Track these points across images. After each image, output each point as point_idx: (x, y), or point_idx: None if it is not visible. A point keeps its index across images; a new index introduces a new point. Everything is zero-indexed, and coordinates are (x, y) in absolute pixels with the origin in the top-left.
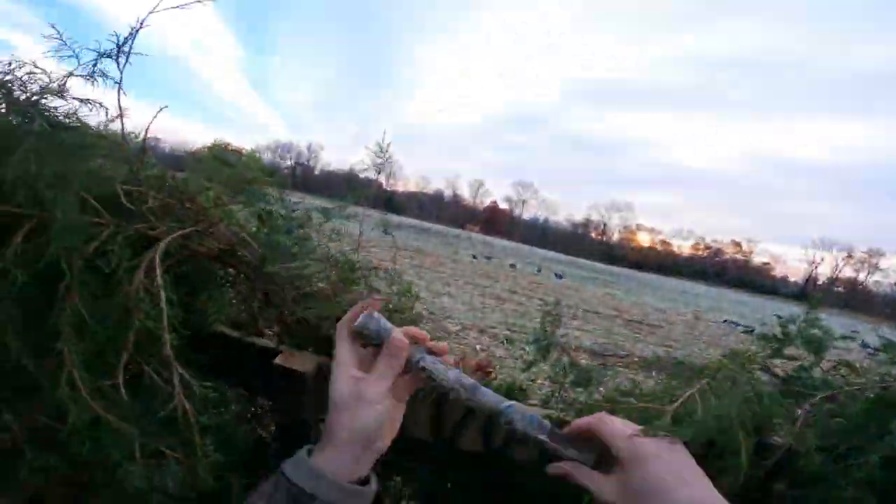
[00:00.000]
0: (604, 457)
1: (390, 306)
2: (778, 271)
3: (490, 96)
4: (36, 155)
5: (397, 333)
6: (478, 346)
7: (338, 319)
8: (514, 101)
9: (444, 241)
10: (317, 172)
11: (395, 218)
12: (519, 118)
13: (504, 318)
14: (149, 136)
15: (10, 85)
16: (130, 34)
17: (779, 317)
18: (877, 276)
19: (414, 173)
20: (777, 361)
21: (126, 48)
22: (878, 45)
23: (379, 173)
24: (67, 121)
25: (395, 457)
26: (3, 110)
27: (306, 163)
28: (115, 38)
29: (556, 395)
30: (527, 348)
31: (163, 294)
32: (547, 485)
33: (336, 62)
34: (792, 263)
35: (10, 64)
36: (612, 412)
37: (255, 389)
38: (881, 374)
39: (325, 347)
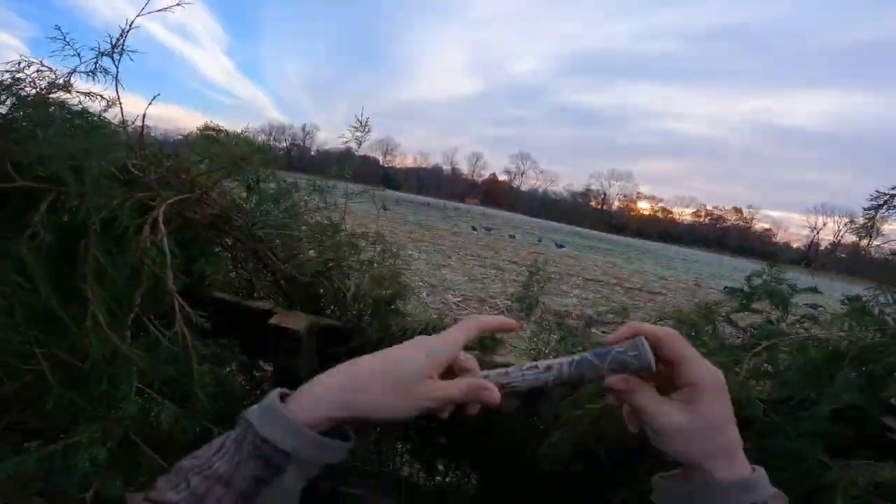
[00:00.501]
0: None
1: (374, 268)
2: (780, 238)
3: (486, 70)
4: (61, 135)
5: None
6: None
7: (320, 275)
8: (512, 74)
9: (443, 214)
10: (313, 153)
11: (394, 193)
12: (517, 91)
13: (504, 288)
14: (144, 124)
15: (21, 83)
16: (122, 34)
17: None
18: (877, 241)
19: (412, 149)
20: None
21: (119, 47)
22: (878, 17)
23: (359, 146)
24: (76, 111)
25: None
26: (11, 104)
27: (302, 143)
28: (109, 39)
29: (537, 348)
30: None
31: (166, 243)
32: (523, 431)
33: (325, 41)
34: (794, 230)
35: (18, 63)
36: None
37: (254, 350)
38: (845, 329)
39: (315, 306)
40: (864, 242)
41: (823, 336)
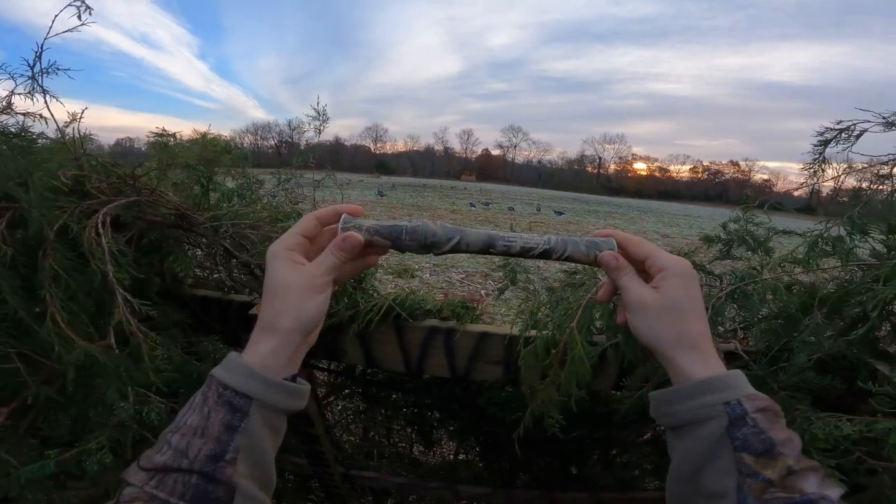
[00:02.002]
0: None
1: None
2: (780, 187)
3: (465, 46)
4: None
5: (353, 238)
6: (483, 291)
7: None
8: (491, 48)
9: (440, 194)
10: (302, 147)
11: (389, 179)
12: (498, 64)
13: (506, 260)
14: (125, 136)
15: None
16: (36, 57)
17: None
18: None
19: (401, 133)
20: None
21: (40, 68)
22: None
23: (319, 134)
24: (12, 131)
25: (378, 391)
26: None
27: (290, 139)
28: (27, 61)
29: (525, 315)
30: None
31: (104, 241)
32: (504, 403)
33: (296, 33)
34: (793, 178)
35: None
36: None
37: (243, 341)
38: (837, 272)
39: None
40: (814, 180)
41: (806, 280)
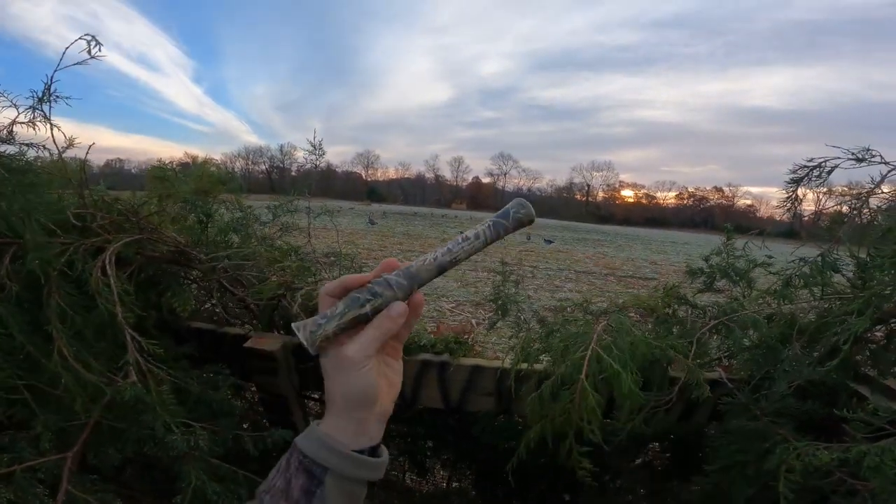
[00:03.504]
0: None
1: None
2: (763, 212)
3: (455, 74)
4: (1, 196)
5: (397, 307)
6: (474, 321)
7: (277, 297)
8: (481, 77)
9: (431, 222)
10: (293, 173)
11: (380, 207)
12: (488, 92)
13: (496, 293)
14: (115, 158)
15: None
16: (46, 89)
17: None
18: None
19: (392, 160)
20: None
21: (49, 97)
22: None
23: (316, 167)
24: (19, 163)
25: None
26: None
27: (282, 164)
28: (35, 93)
29: (517, 349)
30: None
31: (112, 283)
32: (497, 432)
33: (289, 59)
34: (776, 203)
35: None
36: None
37: (237, 372)
38: (816, 302)
39: (285, 325)
40: (790, 215)
41: (787, 311)
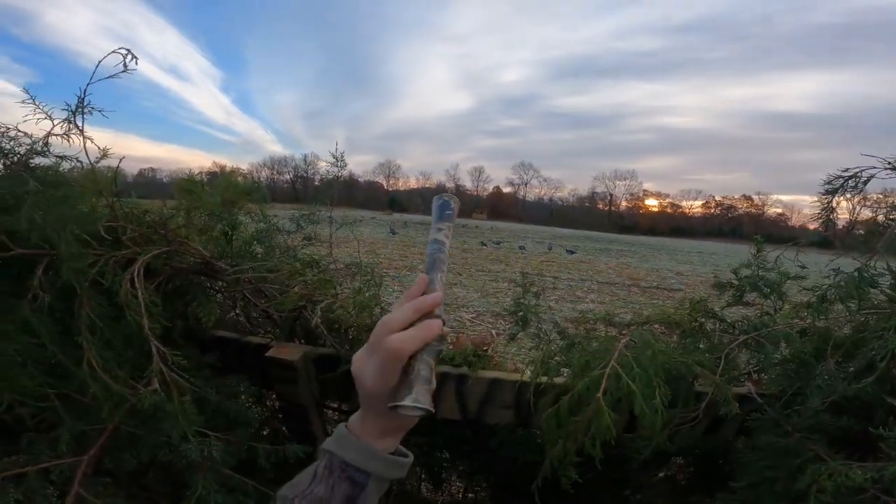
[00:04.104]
0: None
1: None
2: (794, 221)
3: (476, 83)
4: (37, 207)
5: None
6: (493, 332)
7: (299, 308)
8: (501, 85)
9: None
10: (316, 183)
11: (401, 216)
12: (508, 101)
13: (517, 304)
14: (148, 167)
15: (4, 150)
16: (80, 101)
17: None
18: None
19: (413, 170)
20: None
21: (82, 109)
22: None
23: (338, 178)
24: (52, 180)
25: None
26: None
27: (305, 174)
28: (69, 106)
29: (536, 362)
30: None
31: (140, 295)
32: (516, 444)
33: (313, 69)
34: (808, 211)
35: None
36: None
37: (258, 381)
38: (852, 316)
39: (311, 336)
40: (823, 227)
41: (821, 325)
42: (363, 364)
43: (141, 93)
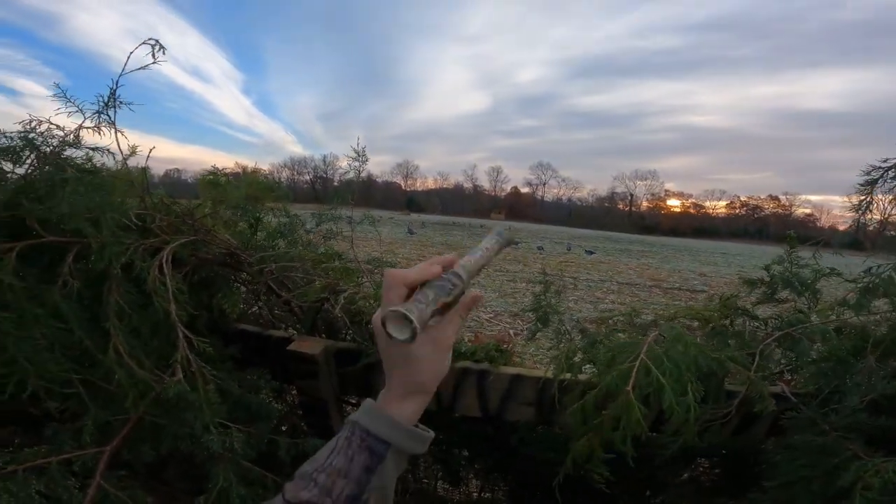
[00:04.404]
0: None
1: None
2: (824, 221)
3: (492, 83)
4: (76, 195)
5: (475, 296)
6: (511, 331)
7: (321, 300)
8: (518, 84)
9: (469, 232)
10: (336, 183)
11: (419, 217)
12: (525, 101)
13: (538, 302)
14: (173, 168)
15: (35, 142)
16: (112, 93)
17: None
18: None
19: (431, 170)
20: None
21: (113, 103)
22: None
23: (359, 174)
24: (87, 166)
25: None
26: (32, 162)
27: (325, 174)
28: (106, 93)
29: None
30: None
31: (168, 281)
32: (537, 442)
33: (331, 71)
34: (837, 212)
35: (30, 122)
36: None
37: (280, 375)
38: (889, 314)
39: (332, 330)
40: (854, 221)
41: (857, 323)
42: (377, 318)
43: (165, 94)
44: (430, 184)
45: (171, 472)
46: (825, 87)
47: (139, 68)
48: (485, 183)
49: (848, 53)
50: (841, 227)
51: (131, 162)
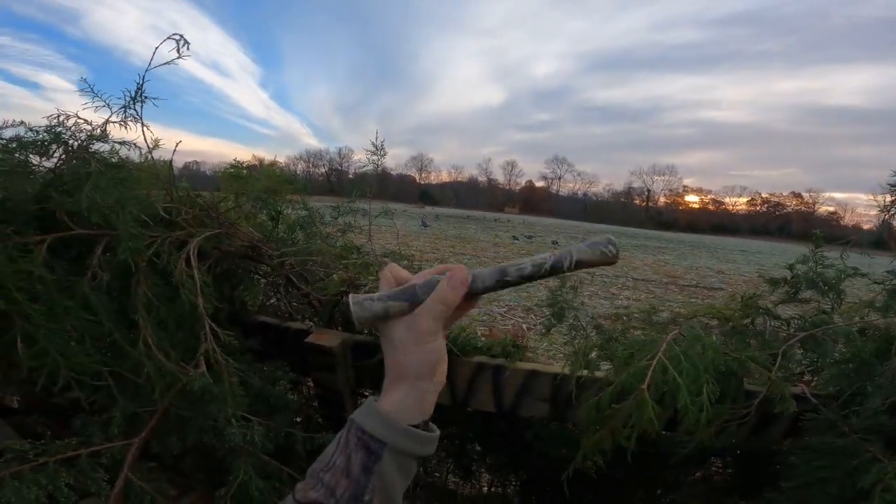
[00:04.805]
0: None
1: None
2: (847, 220)
3: (507, 76)
4: (97, 189)
5: (459, 274)
6: (525, 326)
7: (340, 294)
8: (533, 78)
9: (483, 226)
10: (351, 176)
11: (433, 209)
12: (541, 94)
13: (553, 297)
14: (193, 160)
15: (63, 136)
16: (139, 87)
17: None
18: None
19: (445, 163)
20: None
21: (140, 97)
22: None
23: (377, 168)
24: (113, 159)
25: None
26: (60, 156)
27: (339, 167)
28: (132, 89)
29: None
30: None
31: (196, 273)
32: (550, 438)
33: (347, 65)
34: (862, 210)
35: (58, 117)
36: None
37: (297, 367)
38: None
39: (345, 323)
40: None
41: (881, 325)
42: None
43: (186, 89)
44: (445, 177)
45: (188, 462)
46: (852, 83)
47: (164, 64)
48: (499, 176)
49: (875, 49)
50: (865, 226)
51: (156, 155)
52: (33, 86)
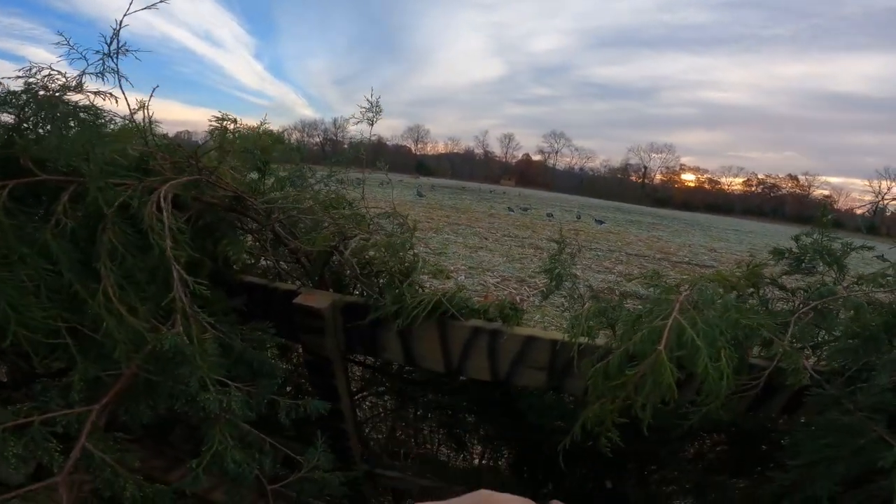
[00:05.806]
0: None
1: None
2: (842, 204)
3: (508, 51)
4: (65, 133)
5: None
6: (518, 297)
7: (330, 247)
8: (534, 53)
9: (479, 197)
10: (346, 146)
11: (429, 180)
12: (541, 69)
13: (552, 264)
14: (184, 130)
15: (34, 87)
16: (114, 34)
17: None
18: None
19: (442, 135)
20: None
21: (116, 47)
22: None
23: (371, 125)
24: (81, 105)
25: (412, 390)
26: (27, 105)
27: (335, 137)
28: (106, 40)
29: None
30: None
31: (165, 216)
32: (545, 410)
33: (345, 35)
34: (856, 195)
35: (30, 69)
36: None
37: (285, 331)
38: None
39: (340, 285)
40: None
41: (886, 299)
42: None
43: (177, 59)
44: (441, 148)
45: (177, 434)
46: (859, 70)
47: (145, 8)
48: (496, 149)
49: (887, 38)
50: (858, 211)
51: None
52: (18, 59)
